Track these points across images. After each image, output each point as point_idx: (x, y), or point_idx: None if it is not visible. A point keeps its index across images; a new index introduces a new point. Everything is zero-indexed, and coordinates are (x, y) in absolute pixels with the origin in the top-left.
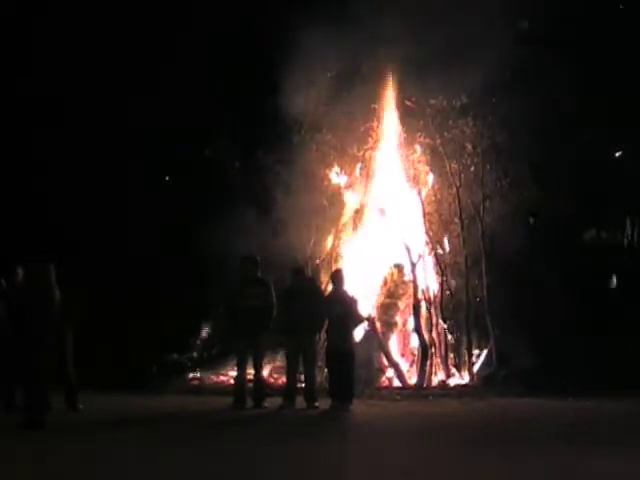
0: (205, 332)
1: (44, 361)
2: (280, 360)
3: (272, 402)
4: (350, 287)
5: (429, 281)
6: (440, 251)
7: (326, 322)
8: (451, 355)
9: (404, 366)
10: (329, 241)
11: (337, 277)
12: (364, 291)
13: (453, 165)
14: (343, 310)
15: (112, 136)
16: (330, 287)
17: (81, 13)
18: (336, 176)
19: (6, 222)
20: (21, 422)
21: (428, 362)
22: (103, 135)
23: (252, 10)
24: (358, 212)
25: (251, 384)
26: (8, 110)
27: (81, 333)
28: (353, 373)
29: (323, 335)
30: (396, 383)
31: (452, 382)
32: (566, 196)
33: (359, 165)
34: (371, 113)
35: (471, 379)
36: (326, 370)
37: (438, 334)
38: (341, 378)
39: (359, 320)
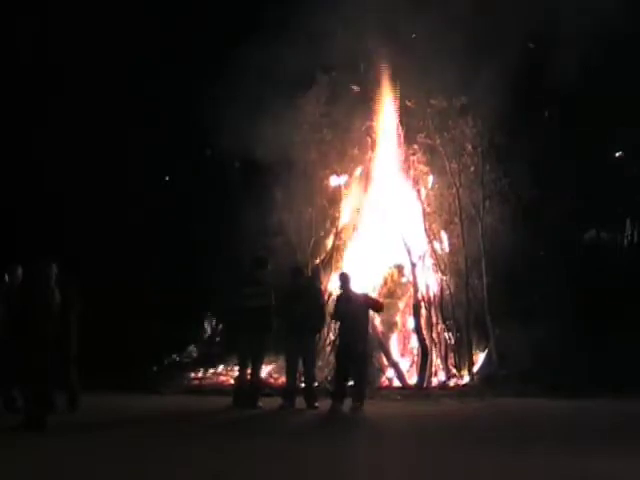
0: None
1: (44, 361)
2: (280, 360)
3: (272, 402)
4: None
5: (429, 281)
6: (440, 251)
7: (326, 322)
8: (451, 355)
9: (404, 366)
10: (329, 241)
11: (343, 278)
12: (364, 291)
13: (453, 165)
14: (354, 310)
15: (112, 136)
16: (336, 288)
17: None
18: (336, 176)
19: (6, 222)
20: (21, 422)
21: (428, 362)
22: (103, 135)
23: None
24: (358, 212)
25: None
26: (7, 109)
27: (81, 333)
28: (366, 374)
29: (323, 335)
30: (396, 383)
31: (452, 382)
32: (566, 196)
33: (359, 165)
34: (371, 113)
35: (471, 379)
36: (333, 370)
37: (438, 334)
38: (354, 378)
39: (378, 305)
